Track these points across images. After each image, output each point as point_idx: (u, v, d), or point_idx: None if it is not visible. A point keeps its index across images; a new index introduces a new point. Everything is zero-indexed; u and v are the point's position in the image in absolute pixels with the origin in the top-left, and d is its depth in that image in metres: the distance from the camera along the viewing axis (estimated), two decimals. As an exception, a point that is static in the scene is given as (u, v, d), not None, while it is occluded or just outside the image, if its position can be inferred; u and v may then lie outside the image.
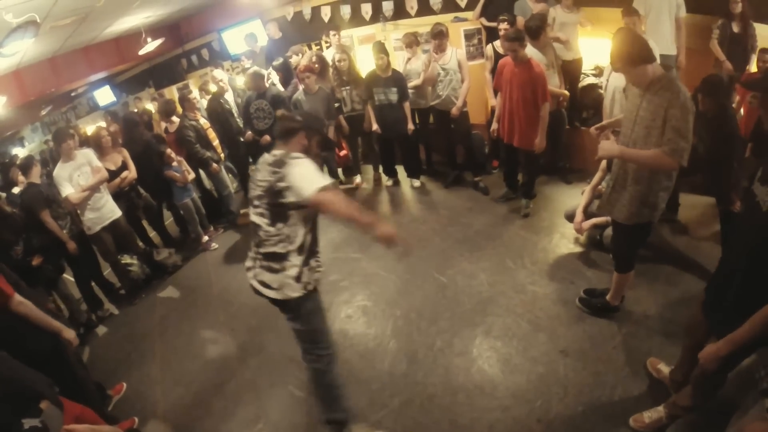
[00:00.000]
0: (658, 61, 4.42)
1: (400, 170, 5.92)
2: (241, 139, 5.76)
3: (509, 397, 2.74)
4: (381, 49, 5.12)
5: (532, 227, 4.43)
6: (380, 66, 5.08)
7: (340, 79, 5.40)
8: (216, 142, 5.65)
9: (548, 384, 2.77)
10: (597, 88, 5.04)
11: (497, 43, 4.84)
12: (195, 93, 6.09)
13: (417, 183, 5.71)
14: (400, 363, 3.16)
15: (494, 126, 4.59)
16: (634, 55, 2.35)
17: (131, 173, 4.84)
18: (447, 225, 4.77)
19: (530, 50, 4.22)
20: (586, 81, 5.21)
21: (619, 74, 3.66)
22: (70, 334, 2.82)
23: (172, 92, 8.27)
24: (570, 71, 5.11)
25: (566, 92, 4.71)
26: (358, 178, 6.10)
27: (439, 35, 4.79)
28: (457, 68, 4.89)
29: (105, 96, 10.75)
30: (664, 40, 4.45)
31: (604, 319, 3.16)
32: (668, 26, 4.54)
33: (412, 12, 6.22)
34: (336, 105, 5.43)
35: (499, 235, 4.42)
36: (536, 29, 4.34)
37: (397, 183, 5.89)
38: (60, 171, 4.22)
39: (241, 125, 5.82)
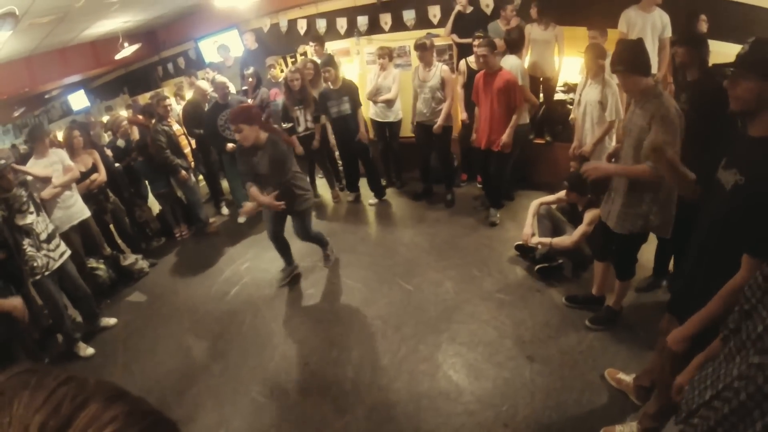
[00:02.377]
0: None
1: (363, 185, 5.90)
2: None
3: (475, 402, 2.76)
4: (328, 62, 5.15)
5: (498, 237, 4.51)
6: (327, 78, 5.12)
7: (292, 98, 5.31)
8: (187, 150, 5.61)
9: (515, 389, 2.81)
10: (566, 104, 5.19)
11: (471, 59, 4.94)
12: (171, 100, 6.03)
13: (374, 201, 5.74)
14: (364, 370, 3.16)
15: (473, 136, 4.71)
16: (636, 64, 2.49)
17: (101, 176, 4.80)
18: (414, 235, 4.82)
19: (511, 59, 4.40)
20: (555, 97, 5.36)
21: (594, 87, 3.85)
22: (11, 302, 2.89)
23: (146, 100, 8.20)
24: (545, 87, 5.28)
25: (535, 100, 4.86)
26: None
27: (421, 47, 4.80)
28: (439, 84, 4.90)
29: (79, 100, 10.54)
30: None
31: (571, 326, 3.23)
32: (650, 45, 4.48)
33: (386, 27, 6.32)
34: (288, 125, 5.40)
35: (465, 245, 4.48)
36: (517, 41, 4.50)
37: (358, 198, 5.88)
38: (32, 166, 4.17)
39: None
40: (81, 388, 0.43)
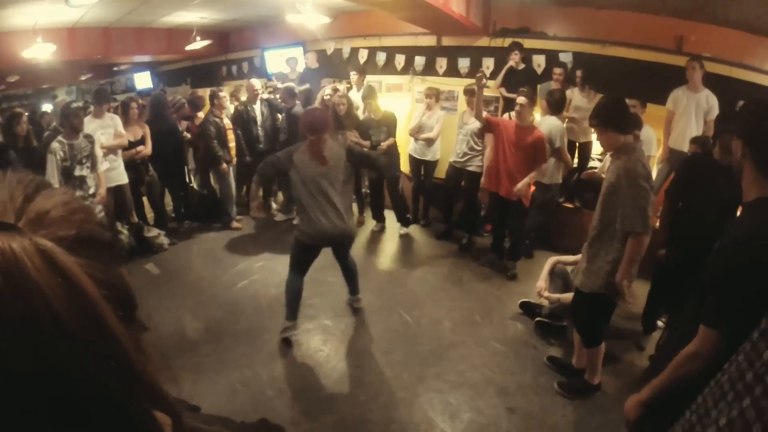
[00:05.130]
0: (657, 152, 4.64)
1: (389, 216, 6.00)
2: (260, 146, 6.06)
3: (443, 440, 2.73)
4: (368, 95, 5.39)
5: (507, 290, 4.50)
6: (368, 108, 5.34)
7: (336, 122, 5.34)
8: (232, 144, 5.88)
9: (487, 437, 2.76)
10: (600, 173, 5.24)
11: (514, 114, 5.07)
12: (226, 95, 6.38)
13: (404, 230, 5.79)
14: (344, 383, 3.19)
15: (482, 181, 4.81)
16: (611, 119, 2.56)
17: (147, 149, 5.09)
18: (426, 272, 4.87)
19: (551, 119, 4.52)
20: (589, 164, 5.42)
21: None
22: None
23: (206, 94, 8.62)
24: (581, 152, 5.35)
25: (570, 161, 4.94)
26: None
27: (470, 93, 4.98)
28: (477, 130, 5.02)
29: (144, 80, 11.14)
30: (683, 137, 4.55)
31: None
32: (693, 125, 4.55)
33: (440, 71, 6.55)
34: None
35: (473, 290, 4.49)
36: (558, 102, 4.60)
37: (383, 229, 5.98)
38: (87, 124, 4.45)
39: (262, 135, 6.13)
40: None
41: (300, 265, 3.58)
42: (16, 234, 0.37)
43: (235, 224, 5.95)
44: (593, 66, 5.26)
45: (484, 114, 4.82)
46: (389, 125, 5.38)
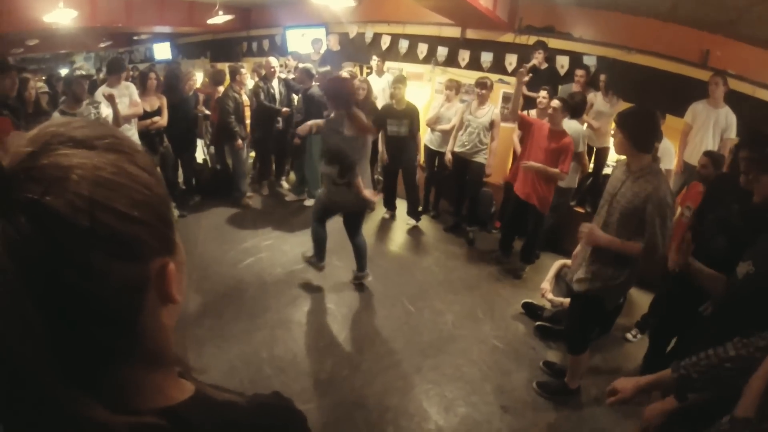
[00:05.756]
0: (674, 164, 4.59)
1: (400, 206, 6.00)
2: (277, 125, 6.05)
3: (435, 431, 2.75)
4: (400, 80, 5.32)
5: (512, 288, 4.50)
6: (396, 95, 5.25)
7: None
8: (248, 121, 5.88)
9: (479, 432, 2.77)
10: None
11: (532, 113, 5.03)
12: (247, 72, 6.37)
13: (413, 222, 5.78)
14: (343, 367, 3.21)
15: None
16: (638, 133, 2.49)
17: (162, 120, 5.09)
18: (432, 264, 4.86)
19: (573, 123, 4.43)
20: (604, 171, 5.37)
21: None
22: None
23: (224, 68, 8.60)
24: (598, 158, 5.31)
25: (588, 165, 4.89)
26: None
27: (482, 85, 5.01)
28: (488, 124, 5.06)
29: (163, 51, 11.14)
30: (698, 151, 4.40)
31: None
32: (710, 140, 4.51)
33: (462, 63, 6.50)
34: None
35: (479, 286, 4.49)
36: (579, 105, 4.54)
37: (393, 216, 5.98)
38: (102, 91, 4.46)
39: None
40: None
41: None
42: None
43: (246, 201, 5.96)
44: (616, 71, 5.22)
45: (516, 140, 4.81)
46: (411, 118, 5.32)
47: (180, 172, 5.94)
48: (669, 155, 4.58)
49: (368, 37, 7.53)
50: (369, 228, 5.65)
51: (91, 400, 0.44)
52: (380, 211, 6.04)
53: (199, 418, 0.51)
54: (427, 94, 6.70)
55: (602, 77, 5.13)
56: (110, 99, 4.20)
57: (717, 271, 2.04)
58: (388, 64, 6.79)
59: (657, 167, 2.56)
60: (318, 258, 4.12)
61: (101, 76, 8.16)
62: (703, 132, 4.56)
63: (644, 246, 2.46)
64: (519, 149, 5.08)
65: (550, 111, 4.26)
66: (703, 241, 2.86)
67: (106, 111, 4.31)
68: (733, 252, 2.09)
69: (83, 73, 4.39)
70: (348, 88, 3.68)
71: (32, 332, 0.39)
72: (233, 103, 5.50)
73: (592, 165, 5.28)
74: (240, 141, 5.62)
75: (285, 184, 6.68)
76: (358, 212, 3.91)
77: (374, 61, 6.47)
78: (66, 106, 4.09)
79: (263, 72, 6.10)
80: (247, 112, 5.89)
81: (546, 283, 3.85)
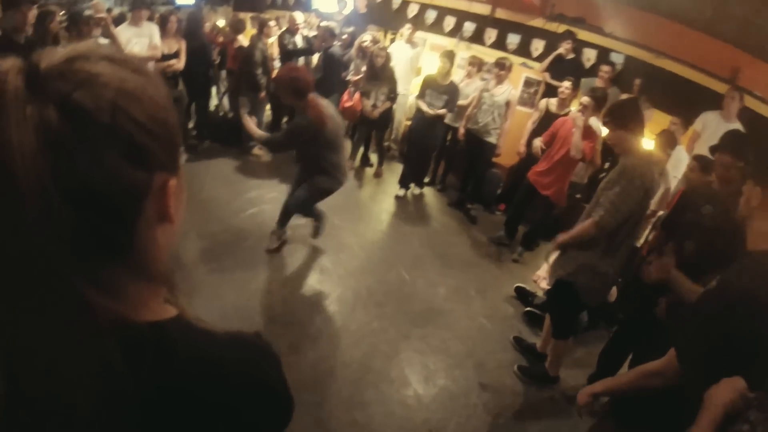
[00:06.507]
0: (680, 168, 4.55)
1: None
2: None
3: (413, 398, 2.83)
4: (449, 56, 5.23)
5: (507, 270, 4.55)
6: (441, 69, 5.17)
7: (371, 73, 5.40)
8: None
9: (455, 406, 2.85)
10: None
11: (552, 101, 4.97)
12: (275, 24, 6.28)
13: (417, 191, 5.79)
14: (331, 325, 3.29)
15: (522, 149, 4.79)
16: (624, 119, 2.55)
17: (180, 64, 5.06)
18: (432, 236, 4.90)
19: (592, 119, 4.30)
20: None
21: None
22: None
23: (247, 18, 8.46)
24: (613, 159, 5.24)
25: (599, 163, 4.82)
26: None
27: (501, 66, 4.99)
28: (504, 104, 5.04)
29: (186, -5, 10.92)
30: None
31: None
32: None
33: (488, 42, 6.40)
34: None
35: (475, 264, 4.54)
36: (599, 101, 4.46)
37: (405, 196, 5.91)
38: (122, 31, 4.42)
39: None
40: None
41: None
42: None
43: (256, 150, 5.96)
44: (641, 73, 5.15)
45: (530, 125, 4.97)
46: (451, 96, 5.19)
47: (192, 117, 5.93)
48: (679, 163, 4.51)
49: (395, 3, 7.39)
50: (374, 193, 5.68)
51: (102, 293, 0.47)
52: (392, 183, 6.00)
53: (180, 337, 0.55)
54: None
55: (637, 81, 5.06)
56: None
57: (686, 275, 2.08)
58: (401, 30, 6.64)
59: (645, 151, 2.64)
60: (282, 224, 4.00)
61: (114, 13, 7.98)
62: (711, 143, 4.51)
63: (595, 217, 2.52)
64: (528, 130, 5.07)
65: (579, 107, 4.22)
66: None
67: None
68: (702, 257, 2.16)
69: (90, 12, 4.29)
70: (302, 78, 3.39)
71: (56, 215, 0.42)
72: (261, 55, 5.45)
73: (607, 165, 5.22)
74: (264, 93, 5.60)
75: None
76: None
77: (406, 28, 6.33)
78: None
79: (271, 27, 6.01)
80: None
81: (542, 271, 3.88)
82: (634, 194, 2.47)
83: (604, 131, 4.11)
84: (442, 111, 5.21)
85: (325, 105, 3.50)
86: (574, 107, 4.72)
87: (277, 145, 3.72)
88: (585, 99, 4.16)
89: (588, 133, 4.12)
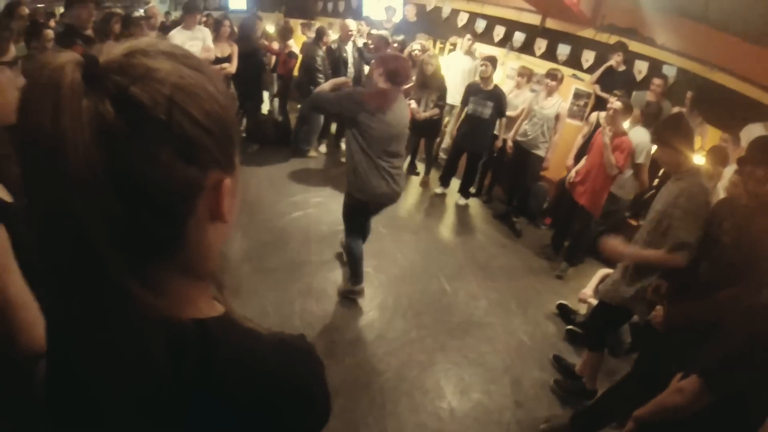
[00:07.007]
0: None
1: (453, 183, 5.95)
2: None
3: (446, 411, 2.79)
4: (491, 60, 5.18)
5: (550, 287, 4.42)
6: (483, 73, 5.14)
7: (421, 80, 5.38)
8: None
9: (488, 422, 2.79)
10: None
11: (603, 114, 4.84)
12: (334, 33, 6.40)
13: (463, 201, 5.74)
14: (369, 332, 3.29)
15: (571, 175, 4.58)
16: (671, 136, 2.43)
17: (231, 67, 5.21)
18: (475, 247, 4.84)
19: (641, 132, 4.23)
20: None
21: None
22: None
23: (297, 24, 8.65)
24: (664, 175, 5.04)
25: (647, 182, 4.66)
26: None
27: (552, 77, 4.88)
28: (553, 117, 4.94)
29: (238, 1, 11.26)
30: None
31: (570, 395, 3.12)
32: None
33: (538, 52, 6.30)
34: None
35: (518, 278, 4.44)
36: (654, 116, 4.32)
37: (445, 195, 5.93)
38: (176, 34, 4.60)
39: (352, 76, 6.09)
40: None
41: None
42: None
43: (312, 153, 6.09)
44: (694, 87, 4.95)
45: (580, 139, 4.90)
46: (497, 101, 5.15)
47: (243, 120, 6.10)
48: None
49: (445, 12, 7.40)
50: (419, 202, 5.68)
51: (150, 289, 0.47)
52: (433, 187, 6.02)
53: (225, 336, 0.55)
54: (498, 78, 6.50)
55: (688, 94, 4.87)
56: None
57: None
58: (460, 42, 6.63)
59: (696, 167, 2.49)
60: (356, 280, 3.56)
61: (171, 18, 8.31)
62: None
63: (668, 246, 2.35)
64: (578, 144, 4.97)
65: (609, 111, 4.11)
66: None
67: None
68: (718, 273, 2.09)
69: (142, 14, 4.45)
70: (402, 68, 3.01)
71: (107, 210, 0.43)
72: (321, 62, 5.56)
73: (656, 182, 5.03)
74: None
75: (324, 148, 6.65)
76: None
77: (466, 39, 6.28)
78: None
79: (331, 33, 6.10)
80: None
81: (588, 289, 3.78)
82: (699, 217, 2.34)
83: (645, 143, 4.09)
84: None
85: (399, 107, 3.09)
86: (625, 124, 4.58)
87: (321, 99, 3.19)
88: (616, 103, 4.05)
89: (618, 142, 4.00)
